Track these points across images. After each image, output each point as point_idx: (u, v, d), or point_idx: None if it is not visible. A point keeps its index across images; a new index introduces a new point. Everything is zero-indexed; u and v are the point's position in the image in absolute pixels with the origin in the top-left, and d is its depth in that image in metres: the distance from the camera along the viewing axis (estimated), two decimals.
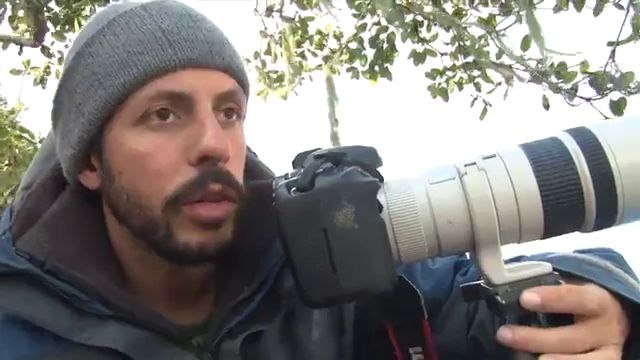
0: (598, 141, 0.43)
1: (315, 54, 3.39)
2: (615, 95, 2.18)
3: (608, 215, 0.43)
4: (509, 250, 0.46)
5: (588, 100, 2.28)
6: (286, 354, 0.56)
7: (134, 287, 0.55)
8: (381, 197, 0.43)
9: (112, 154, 0.51)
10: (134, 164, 0.50)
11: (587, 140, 0.43)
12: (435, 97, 3.38)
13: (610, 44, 2.13)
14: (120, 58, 0.49)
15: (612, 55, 2.10)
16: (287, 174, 0.46)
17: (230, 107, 0.52)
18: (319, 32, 3.35)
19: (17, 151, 2.97)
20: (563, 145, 0.43)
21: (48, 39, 2.88)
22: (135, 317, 0.50)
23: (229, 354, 0.53)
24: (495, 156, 0.44)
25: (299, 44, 3.31)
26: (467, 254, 0.49)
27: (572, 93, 2.35)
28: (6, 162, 3.04)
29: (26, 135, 2.92)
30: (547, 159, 0.43)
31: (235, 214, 0.52)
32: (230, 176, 0.51)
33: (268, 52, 3.28)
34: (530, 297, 0.43)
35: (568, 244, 0.53)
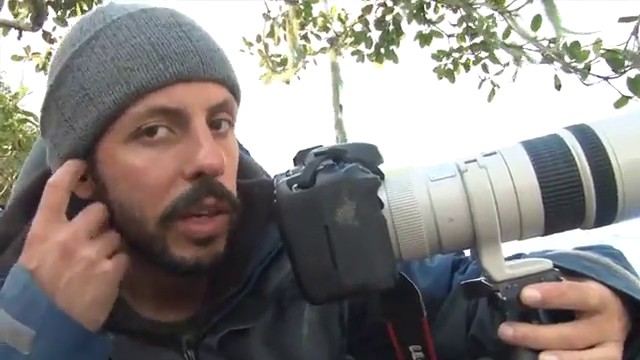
0: (598, 138, 0.43)
1: (319, 37, 3.36)
2: (632, 73, 2.15)
3: (608, 212, 0.43)
4: (508, 248, 0.46)
5: (606, 79, 2.24)
6: (272, 352, 0.56)
7: (122, 286, 0.54)
8: (382, 194, 0.43)
9: (106, 168, 0.51)
10: (128, 178, 0.49)
11: (588, 137, 0.43)
12: (441, 79, 3.35)
13: (623, 20, 2.09)
14: (110, 74, 0.48)
15: (635, 31, 2.05)
16: (288, 171, 0.46)
17: (223, 117, 0.52)
18: (323, 15, 3.31)
19: (21, 135, 2.98)
20: (564, 142, 0.43)
21: (49, 24, 2.86)
22: (115, 324, 0.50)
23: (209, 350, 0.53)
24: (496, 153, 0.44)
25: (302, 26, 3.27)
26: (466, 252, 0.50)
27: (585, 72, 2.32)
28: (10, 146, 3.05)
29: (30, 118, 2.92)
30: (548, 156, 0.43)
31: (227, 227, 0.52)
32: (223, 188, 0.51)
33: (271, 35, 3.25)
34: (531, 293, 0.43)
35: (567, 242, 0.53)
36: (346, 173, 0.43)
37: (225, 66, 0.52)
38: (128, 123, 0.49)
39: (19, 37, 2.73)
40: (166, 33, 0.49)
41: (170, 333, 0.55)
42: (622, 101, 2.21)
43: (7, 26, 2.69)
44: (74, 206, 0.54)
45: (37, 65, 2.99)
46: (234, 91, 0.53)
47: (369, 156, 0.46)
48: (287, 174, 0.46)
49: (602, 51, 2.24)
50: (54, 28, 2.93)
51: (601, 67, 2.27)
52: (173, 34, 0.50)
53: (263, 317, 0.56)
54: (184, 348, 0.54)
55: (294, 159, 0.48)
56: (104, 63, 0.49)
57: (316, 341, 0.59)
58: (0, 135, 2.93)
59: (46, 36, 2.90)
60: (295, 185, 0.43)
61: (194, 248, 0.50)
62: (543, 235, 0.45)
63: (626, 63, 2.15)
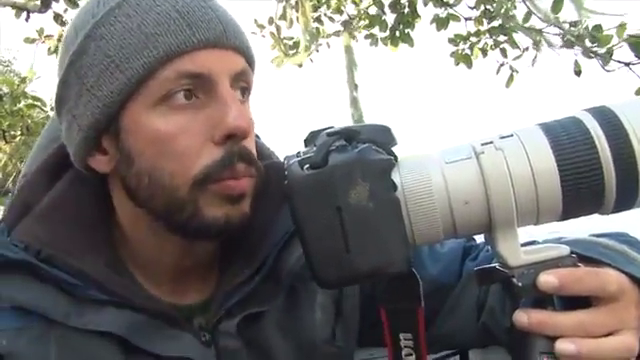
0: (620, 120, 0.41)
1: (332, 19, 3.31)
2: None
3: (628, 197, 0.42)
4: (524, 233, 0.45)
5: (628, 65, 2.18)
6: (287, 335, 0.56)
7: (139, 269, 0.56)
8: (395, 176, 0.42)
9: (131, 136, 0.51)
10: (157, 145, 0.50)
11: (608, 119, 0.41)
12: (458, 64, 3.29)
13: None
14: (137, 40, 0.49)
15: None
16: (299, 152, 0.46)
17: (242, 86, 0.53)
18: None
19: (29, 121, 2.99)
20: (583, 124, 0.42)
21: (60, 6, 2.85)
22: (132, 301, 0.51)
23: (227, 334, 0.53)
24: (513, 135, 0.43)
25: (315, 9, 3.23)
26: (476, 238, 0.49)
27: (607, 58, 2.26)
28: (19, 132, 3.07)
29: (38, 104, 2.93)
30: (566, 139, 0.41)
31: (254, 189, 0.53)
32: (252, 154, 0.52)
33: (283, 17, 3.21)
34: (548, 279, 0.42)
35: (582, 229, 0.52)
36: (359, 153, 0.42)
37: (243, 36, 0.54)
38: (157, 87, 0.49)
39: (27, 19, 2.72)
40: (190, 2, 0.51)
41: (187, 316, 0.55)
42: None
43: (15, 7, 2.69)
44: (83, 180, 0.55)
45: (49, 48, 2.98)
46: (250, 61, 0.54)
47: (383, 137, 0.45)
48: (298, 155, 0.45)
49: (625, 36, 2.17)
50: (65, 10, 2.92)
51: (624, 52, 2.21)
52: (196, 3, 0.51)
53: (277, 300, 0.56)
54: (197, 331, 0.54)
55: (305, 140, 0.48)
56: (130, 30, 0.49)
57: (328, 326, 0.58)
58: (9, 120, 2.95)
59: (57, 18, 2.89)
60: (307, 165, 0.42)
61: (226, 206, 0.51)
62: (560, 220, 0.44)
63: None
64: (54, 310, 0.49)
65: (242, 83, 0.53)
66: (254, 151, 0.54)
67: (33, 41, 2.96)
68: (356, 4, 3.35)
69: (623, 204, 0.42)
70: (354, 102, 3.04)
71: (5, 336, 0.49)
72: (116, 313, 0.50)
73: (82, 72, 0.51)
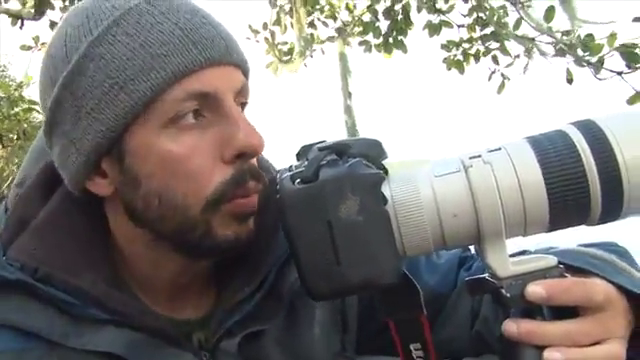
0: (604, 134, 0.42)
1: (326, 24, 3.33)
2: None
3: (614, 208, 0.42)
4: (513, 244, 0.46)
5: (619, 74, 2.20)
6: (286, 353, 0.56)
7: (136, 286, 0.55)
8: (385, 190, 0.43)
9: (138, 158, 0.49)
10: (167, 166, 0.49)
11: (593, 133, 0.42)
12: (450, 69, 3.31)
13: (637, 20, 2.04)
14: (142, 60, 0.47)
15: None
16: (291, 166, 0.46)
17: (242, 101, 0.53)
18: (330, 3, 3.28)
19: (26, 125, 2.98)
20: (569, 137, 0.43)
21: (56, 14, 2.85)
22: (132, 319, 0.50)
23: (227, 354, 0.53)
24: (501, 149, 0.44)
25: (309, 14, 3.24)
26: (472, 249, 0.49)
27: (599, 66, 2.28)
28: (16, 136, 3.05)
29: (35, 107, 2.92)
30: (553, 152, 0.42)
31: (258, 205, 0.53)
32: (259, 172, 0.52)
33: (277, 23, 3.22)
34: (535, 289, 0.42)
35: (572, 239, 0.53)
36: (349, 168, 0.43)
37: (241, 51, 0.53)
38: (164, 109, 0.48)
39: (21, 26, 2.72)
40: (191, 19, 0.50)
41: (185, 332, 0.54)
42: (636, 97, 2.16)
43: (10, 15, 2.69)
44: (92, 205, 0.54)
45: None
46: (247, 75, 0.54)
47: (373, 151, 0.45)
48: (290, 169, 0.46)
49: (617, 45, 2.19)
50: (61, 18, 2.91)
51: (615, 61, 2.23)
52: (197, 20, 0.50)
53: (278, 318, 0.56)
54: (197, 350, 0.53)
55: (297, 154, 0.48)
56: (133, 50, 0.48)
57: (327, 342, 0.58)
58: (6, 125, 2.94)
59: (53, 26, 2.89)
60: (298, 180, 0.43)
61: (236, 225, 0.51)
62: (547, 232, 0.45)
63: None
64: (51, 330, 0.48)
65: (242, 98, 0.53)
66: (258, 167, 0.53)
67: (29, 48, 2.96)
68: (350, 11, 3.37)
69: (609, 215, 0.43)
70: (348, 110, 3.05)
71: (5, 359, 0.48)
72: (115, 332, 0.49)
73: (79, 94, 0.49)
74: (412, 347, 0.49)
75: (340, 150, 0.45)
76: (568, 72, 2.50)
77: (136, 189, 0.50)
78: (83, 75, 0.49)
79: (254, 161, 0.52)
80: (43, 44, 2.95)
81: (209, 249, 0.51)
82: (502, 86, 3.13)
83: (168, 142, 0.48)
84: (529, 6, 2.64)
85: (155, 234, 0.52)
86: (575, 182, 0.42)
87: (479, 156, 0.44)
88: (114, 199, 0.53)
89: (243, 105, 0.53)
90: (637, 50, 2.11)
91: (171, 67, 0.47)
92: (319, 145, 0.46)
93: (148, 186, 0.50)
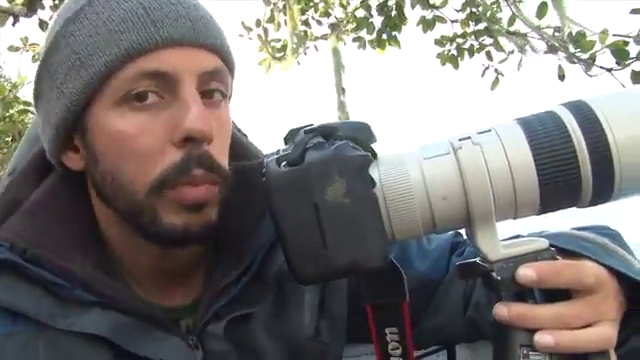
0: (595, 115, 0.41)
1: (320, 22, 3.32)
2: (637, 65, 2.11)
3: (605, 190, 0.42)
4: (505, 229, 0.45)
5: (609, 70, 2.21)
6: (275, 337, 0.56)
7: (122, 270, 0.55)
8: (374, 172, 0.42)
9: (96, 135, 0.50)
10: (118, 145, 0.49)
11: (584, 114, 0.42)
12: (444, 64, 3.31)
13: (635, 11, 2.04)
14: (102, 37, 0.48)
15: None
16: (278, 150, 0.45)
17: (215, 87, 0.51)
18: (324, 0, 3.27)
19: (21, 127, 2.96)
20: (560, 119, 0.42)
21: (46, 13, 2.83)
22: (119, 302, 0.50)
23: (214, 336, 0.52)
24: (490, 131, 0.43)
25: (303, 12, 3.24)
26: (464, 234, 0.49)
27: (590, 63, 2.29)
28: (11, 138, 3.04)
29: (30, 109, 2.90)
30: (543, 133, 0.42)
31: (219, 196, 0.51)
32: (213, 160, 0.50)
33: (271, 20, 3.21)
34: (526, 272, 0.42)
35: (564, 223, 0.53)
36: (336, 150, 0.42)
37: (218, 34, 0.51)
38: (118, 86, 0.48)
39: (14, 23, 2.69)
40: None
41: (174, 318, 0.54)
42: None
43: (1, 12, 2.66)
44: (68, 178, 0.54)
45: (33, 56, 2.95)
46: (228, 62, 0.52)
47: (361, 134, 0.45)
48: (277, 153, 0.45)
49: (608, 42, 2.19)
50: (51, 17, 2.90)
51: (606, 58, 2.24)
52: (166, 0, 0.49)
53: (265, 301, 0.55)
54: (184, 333, 0.53)
55: (285, 138, 0.47)
56: (96, 27, 0.48)
57: (317, 326, 0.58)
58: (1, 127, 2.92)
59: (43, 25, 2.86)
60: (284, 163, 0.42)
61: (185, 215, 0.49)
62: (538, 214, 0.44)
63: (631, 55, 2.11)
64: (39, 311, 0.48)
65: (215, 84, 0.51)
66: (222, 156, 0.52)
67: (17, 49, 2.94)
68: (344, 7, 3.36)
69: (600, 197, 0.43)
70: (341, 106, 3.05)
71: None
72: (101, 314, 0.49)
73: (52, 69, 0.50)
74: (387, 331, 0.49)
75: (327, 133, 0.44)
76: (560, 68, 2.51)
77: (96, 165, 0.51)
78: (56, 51, 0.50)
79: (212, 149, 0.50)
80: (32, 45, 2.92)
81: (158, 236, 0.50)
82: (496, 82, 3.13)
83: (118, 120, 0.48)
84: (521, 2, 2.64)
85: (119, 215, 0.51)
86: (566, 163, 0.41)
87: (468, 138, 0.43)
88: (88, 175, 0.53)
89: (214, 91, 0.51)
90: (629, 44, 2.11)
91: (125, 44, 0.47)
92: (306, 128, 0.45)
93: (104, 164, 0.50)
